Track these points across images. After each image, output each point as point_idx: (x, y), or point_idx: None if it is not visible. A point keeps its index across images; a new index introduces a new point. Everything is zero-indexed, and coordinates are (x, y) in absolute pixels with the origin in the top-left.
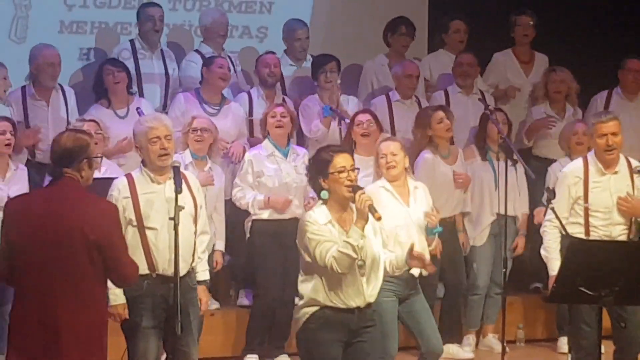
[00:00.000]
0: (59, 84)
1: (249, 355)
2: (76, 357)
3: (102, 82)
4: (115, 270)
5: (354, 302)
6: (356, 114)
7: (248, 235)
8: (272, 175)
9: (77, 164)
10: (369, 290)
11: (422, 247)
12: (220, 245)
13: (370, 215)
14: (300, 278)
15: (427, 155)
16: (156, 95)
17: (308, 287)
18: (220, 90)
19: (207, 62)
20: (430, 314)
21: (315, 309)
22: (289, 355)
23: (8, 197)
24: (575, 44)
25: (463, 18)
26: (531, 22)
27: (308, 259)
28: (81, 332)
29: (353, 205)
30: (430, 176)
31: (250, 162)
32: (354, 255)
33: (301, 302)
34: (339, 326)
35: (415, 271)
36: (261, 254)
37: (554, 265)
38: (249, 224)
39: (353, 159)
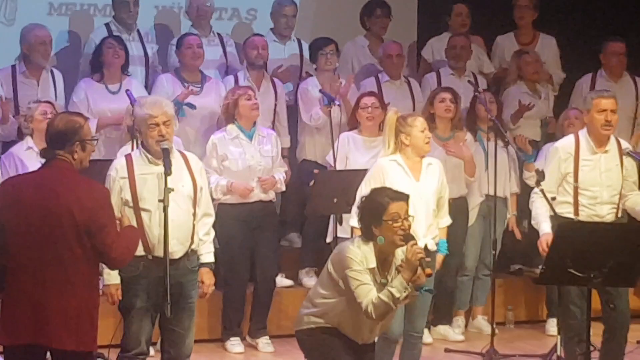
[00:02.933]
0: (51, 68)
1: (231, 339)
2: (66, 340)
3: (101, 55)
4: (104, 254)
5: (361, 340)
6: (361, 96)
7: (215, 218)
8: (236, 159)
9: (69, 147)
10: (381, 329)
11: (429, 223)
12: None
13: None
14: (322, 292)
15: None
16: (137, 77)
17: (325, 303)
18: (197, 69)
19: (177, 43)
20: (428, 295)
21: (326, 326)
22: (271, 337)
23: None
24: (560, 26)
25: (465, 1)
26: (529, 4)
27: (342, 286)
28: (71, 315)
29: (397, 250)
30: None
31: (214, 145)
32: (393, 307)
33: (313, 310)
34: (348, 345)
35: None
36: (227, 238)
37: (544, 226)
38: (216, 207)
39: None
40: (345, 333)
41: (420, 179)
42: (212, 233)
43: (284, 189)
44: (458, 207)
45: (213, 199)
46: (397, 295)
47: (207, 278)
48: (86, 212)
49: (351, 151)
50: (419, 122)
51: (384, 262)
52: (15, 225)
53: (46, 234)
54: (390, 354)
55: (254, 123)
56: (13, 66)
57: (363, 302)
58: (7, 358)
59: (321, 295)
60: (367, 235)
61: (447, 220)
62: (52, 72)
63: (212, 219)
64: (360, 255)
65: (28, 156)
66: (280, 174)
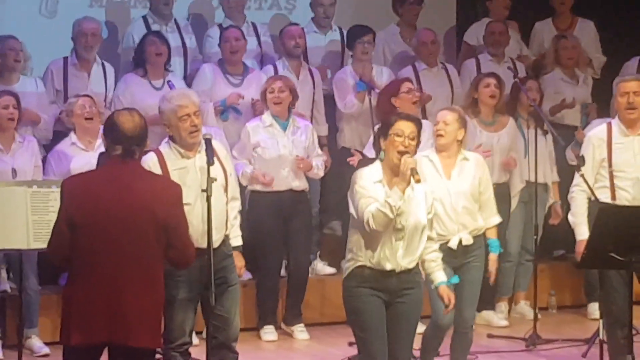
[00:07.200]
0: (102, 61)
1: (265, 327)
2: (142, 337)
3: (143, 51)
4: (179, 250)
5: (389, 265)
6: (400, 82)
7: (247, 207)
8: (267, 147)
9: (143, 145)
10: (405, 258)
11: (461, 222)
12: None
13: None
14: (349, 230)
15: None
16: (175, 67)
17: (352, 241)
18: (238, 62)
19: (220, 37)
20: (475, 286)
21: (355, 265)
22: (313, 325)
23: (13, 169)
24: (601, 9)
25: None
26: None
27: (353, 212)
28: (146, 313)
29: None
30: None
31: (247, 133)
32: (391, 216)
33: (346, 257)
34: (378, 285)
35: (454, 242)
36: (259, 226)
37: (582, 230)
38: (248, 195)
39: (417, 129)
40: (374, 265)
41: (451, 176)
42: (239, 217)
43: (321, 174)
44: (502, 193)
45: (242, 187)
46: (392, 203)
47: (238, 261)
48: (164, 208)
49: None
50: None
51: (392, 183)
52: (89, 221)
53: (124, 230)
54: (439, 342)
55: (289, 113)
56: (65, 58)
57: (364, 214)
58: (74, 357)
59: (350, 233)
60: (378, 152)
61: (496, 219)
62: (103, 65)
63: (239, 202)
64: (366, 173)
65: (73, 152)
66: (318, 161)
